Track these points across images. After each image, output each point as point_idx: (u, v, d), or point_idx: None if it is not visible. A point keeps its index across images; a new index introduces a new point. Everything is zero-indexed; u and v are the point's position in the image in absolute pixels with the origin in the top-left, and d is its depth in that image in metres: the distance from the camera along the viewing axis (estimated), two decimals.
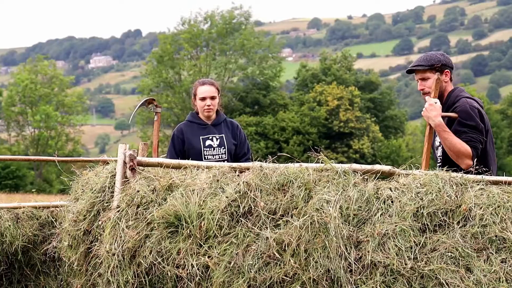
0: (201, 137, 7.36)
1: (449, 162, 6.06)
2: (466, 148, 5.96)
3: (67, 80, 63.44)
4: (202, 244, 5.31)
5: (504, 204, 5.27)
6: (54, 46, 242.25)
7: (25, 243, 7.39)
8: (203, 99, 7.40)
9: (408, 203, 5.28)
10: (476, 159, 5.96)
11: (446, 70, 6.30)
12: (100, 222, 5.77)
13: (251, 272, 5.13)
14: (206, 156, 7.29)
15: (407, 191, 5.37)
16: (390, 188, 5.41)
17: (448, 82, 6.34)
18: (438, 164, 6.30)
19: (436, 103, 6.08)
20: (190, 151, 7.31)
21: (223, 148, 7.36)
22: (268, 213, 5.31)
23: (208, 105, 7.39)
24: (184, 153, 7.34)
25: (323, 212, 5.16)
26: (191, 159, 6.97)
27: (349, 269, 5.10)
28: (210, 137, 7.38)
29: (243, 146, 7.50)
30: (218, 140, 7.38)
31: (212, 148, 7.34)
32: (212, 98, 7.41)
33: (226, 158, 7.33)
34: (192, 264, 5.27)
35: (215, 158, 7.30)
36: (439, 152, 6.33)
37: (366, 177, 5.53)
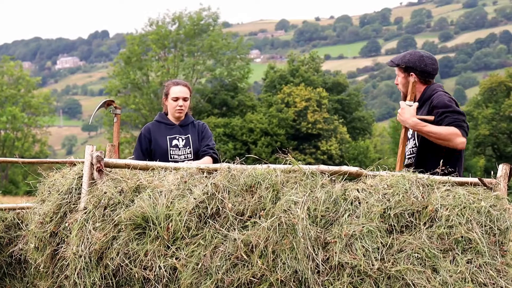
0: (167, 137, 7.36)
1: (422, 157, 6.17)
2: (452, 130, 6.09)
3: (33, 81, 63.02)
4: (169, 245, 5.30)
5: (469, 205, 5.31)
6: (20, 47, 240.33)
7: None
8: (176, 99, 7.39)
9: (375, 204, 5.31)
10: (448, 158, 6.06)
11: (411, 73, 6.39)
12: (66, 224, 5.74)
13: (218, 273, 5.13)
14: (172, 156, 7.28)
15: (374, 192, 5.40)
16: (358, 189, 5.44)
17: (415, 84, 6.40)
18: (408, 157, 6.37)
19: (410, 106, 6.19)
20: (157, 150, 7.30)
21: (188, 148, 7.35)
22: (236, 214, 5.31)
23: (180, 106, 7.39)
24: (150, 153, 7.32)
25: (291, 213, 5.17)
26: (157, 159, 6.96)
27: (316, 270, 5.11)
28: (177, 137, 7.37)
29: (208, 140, 7.47)
30: (184, 140, 7.37)
31: (178, 148, 7.34)
32: (185, 99, 7.41)
33: (192, 158, 7.33)
34: (159, 266, 5.26)
35: (181, 158, 7.29)
36: (409, 145, 6.42)
37: (333, 178, 5.55)
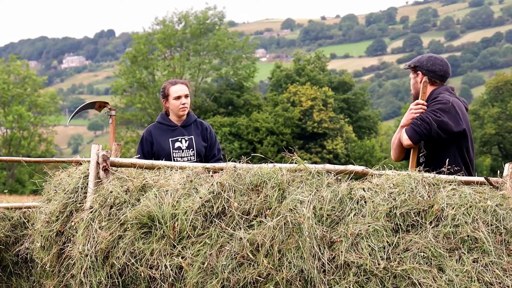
0: (170, 139, 7.32)
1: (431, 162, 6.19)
2: (403, 131, 6.29)
3: (40, 80, 63.08)
4: (175, 244, 5.30)
5: (476, 204, 5.30)
6: (26, 46, 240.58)
7: None
8: (178, 97, 7.36)
9: (381, 203, 5.31)
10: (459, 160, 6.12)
11: (418, 71, 6.44)
12: (73, 223, 5.74)
13: (224, 272, 5.13)
14: (175, 158, 7.25)
15: (380, 192, 5.39)
16: (363, 189, 5.43)
17: (421, 84, 6.42)
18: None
19: (424, 105, 6.27)
20: (160, 153, 7.27)
21: (191, 150, 7.33)
22: (242, 213, 5.31)
23: (183, 103, 7.36)
24: (152, 155, 7.30)
25: (297, 212, 5.16)
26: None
27: (322, 270, 5.11)
28: (179, 139, 7.34)
29: (214, 148, 7.46)
30: (187, 142, 7.35)
31: (181, 150, 7.31)
32: (186, 96, 7.40)
33: (195, 160, 7.31)
34: (165, 265, 5.26)
35: (184, 160, 7.27)
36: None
37: (339, 177, 5.55)
